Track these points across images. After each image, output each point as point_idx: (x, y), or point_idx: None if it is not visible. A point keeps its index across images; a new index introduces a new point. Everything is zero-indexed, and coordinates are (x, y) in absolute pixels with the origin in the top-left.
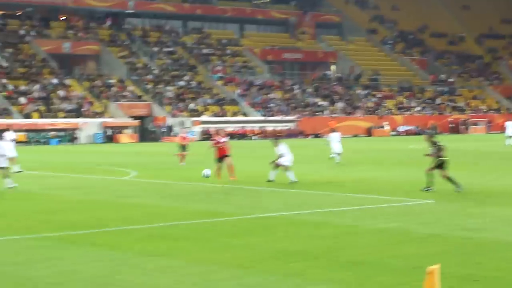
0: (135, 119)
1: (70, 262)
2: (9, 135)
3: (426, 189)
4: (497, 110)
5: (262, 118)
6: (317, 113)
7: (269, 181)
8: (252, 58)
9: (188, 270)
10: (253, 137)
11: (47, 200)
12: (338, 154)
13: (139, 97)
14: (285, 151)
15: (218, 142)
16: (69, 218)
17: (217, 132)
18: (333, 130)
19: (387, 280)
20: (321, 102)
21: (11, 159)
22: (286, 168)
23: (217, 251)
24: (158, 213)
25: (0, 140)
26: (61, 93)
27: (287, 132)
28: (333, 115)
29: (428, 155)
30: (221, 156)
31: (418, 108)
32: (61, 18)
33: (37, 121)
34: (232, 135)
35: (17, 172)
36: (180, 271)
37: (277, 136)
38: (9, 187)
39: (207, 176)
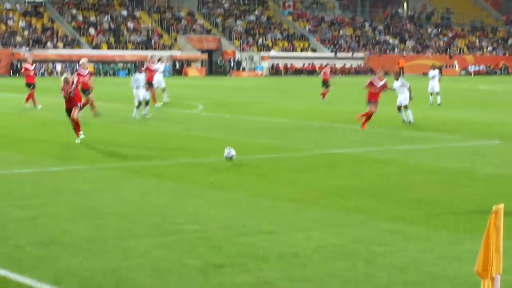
0: (204, 52)
1: (135, 192)
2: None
3: None
4: None
5: (331, 54)
6: (387, 51)
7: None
8: None
9: (251, 203)
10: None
11: (115, 132)
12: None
13: (209, 30)
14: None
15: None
16: (135, 150)
17: None
18: (401, 69)
19: (450, 219)
20: (391, 40)
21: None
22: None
23: (280, 186)
24: (223, 147)
25: (137, 72)
26: (130, 25)
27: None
28: (403, 53)
29: None
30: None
31: (490, 48)
32: None
33: (106, 52)
34: (301, 71)
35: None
36: (243, 205)
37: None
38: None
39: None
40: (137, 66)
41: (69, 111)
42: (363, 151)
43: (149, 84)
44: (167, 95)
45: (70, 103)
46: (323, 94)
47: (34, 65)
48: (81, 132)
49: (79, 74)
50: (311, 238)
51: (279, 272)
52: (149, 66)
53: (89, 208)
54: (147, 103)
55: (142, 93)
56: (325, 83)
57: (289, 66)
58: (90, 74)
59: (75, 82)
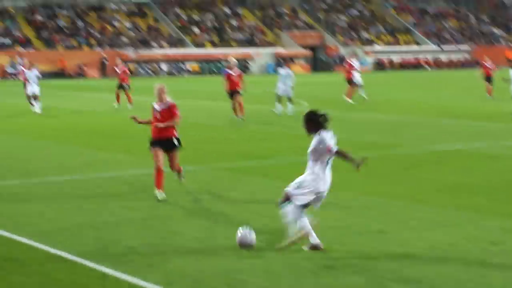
0: (307, 48)
1: (244, 192)
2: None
3: None
4: None
5: (436, 47)
6: (493, 43)
7: None
8: None
9: (359, 202)
10: (427, 67)
11: (219, 130)
12: None
13: (311, 26)
14: None
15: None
16: (242, 148)
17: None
18: (509, 61)
19: None
20: (497, 31)
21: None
22: None
23: (389, 184)
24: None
25: (282, 68)
26: (233, 22)
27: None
28: (510, 45)
29: None
30: None
31: None
32: None
33: (210, 51)
34: (405, 65)
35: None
36: (352, 204)
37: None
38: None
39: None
40: (281, 61)
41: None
42: (473, 147)
43: (349, 81)
44: (364, 93)
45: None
46: (489, 91)
47: (123, 66)
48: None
49: (228, 75)
50: (422, 237)
51: (390, 272)
52: (349, 61)
53: (200, 209)
54: (281, 98)
55: (283, 88)
56: (489, 78)
57: (393, 60)
58: (241, 74)
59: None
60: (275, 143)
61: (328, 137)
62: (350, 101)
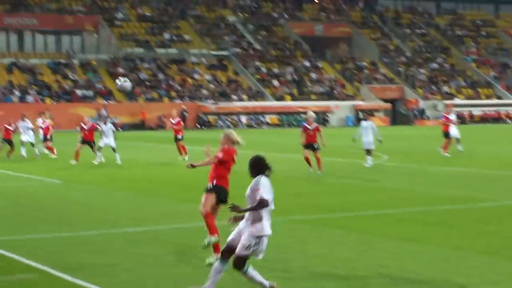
0: (387, 102)
1: (322, 245)
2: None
3: None
4: None
5: None
6: None
7: None
8: (507, 40)
9: (438, 255)
10: (508, 121)
11: (297, 183)
12: None
13: (391, 79)
14: None
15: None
16: (321, 201)
17: None
18: None
19: None
20: None
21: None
22: None
23: (468, 238)
24: (409, 197)
25: (364, 121)
26: (313, 75)
27: None
28: None
29: None
30: None
31: None
32: (314, 0)
33: (289, 103)
34: (486, 119)
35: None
36: (430, 257)
37: None
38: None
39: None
40: (363, 114)
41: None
42: None
43: (446, 134)
44: (460, 146)
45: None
46: None
47: (177, 119)
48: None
49: (304, 128)
50: None
51: None
52: (446, 115)
53: (277, 261)
54: (368, 151)
55: (367, 141)
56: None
57: (474, 114)
58: (318, 127)
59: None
60: (355, 196)
61: (265, 185)
62: (446, 154)
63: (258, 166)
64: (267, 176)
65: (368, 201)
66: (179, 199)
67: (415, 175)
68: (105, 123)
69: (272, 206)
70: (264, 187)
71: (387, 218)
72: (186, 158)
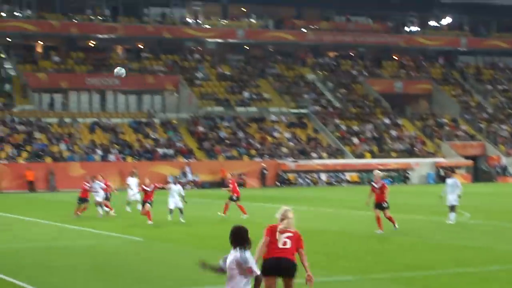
0: (468, 158)
1: None
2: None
3: None
4: None
5: None
6: None
7: None
8: None
9: None
10: None
11: (377, 240)
12: None
13: (472, 136)
14: None
15: None
16: (402, 259)
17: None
18: None
19: None
20: None
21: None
22: None
23: None
24: (491, 256)
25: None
26: (393, 132)
27: None
28: None
29: None
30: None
31: None
32: (393, 58)
33: (369, 161)
34: None
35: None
36: None
37: None
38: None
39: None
40: (447, 172)
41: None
42: None
43: None
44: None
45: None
46: None
47: (232, 180)
48: None
49: (372, 188)
50: None
51: None
52: None
53: None
54: (452, 208)
55: (452, 198)
56: None
57: None
58: (384, 186)
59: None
60: (436, 254)
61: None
62: None
63: (241, 238)
64: (247, 250)
65: (450, 259)
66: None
67: (497, 232)
68: (175, 184)
69: None
70: (253, 263)
71: (469, 276)
72: (223, 215)
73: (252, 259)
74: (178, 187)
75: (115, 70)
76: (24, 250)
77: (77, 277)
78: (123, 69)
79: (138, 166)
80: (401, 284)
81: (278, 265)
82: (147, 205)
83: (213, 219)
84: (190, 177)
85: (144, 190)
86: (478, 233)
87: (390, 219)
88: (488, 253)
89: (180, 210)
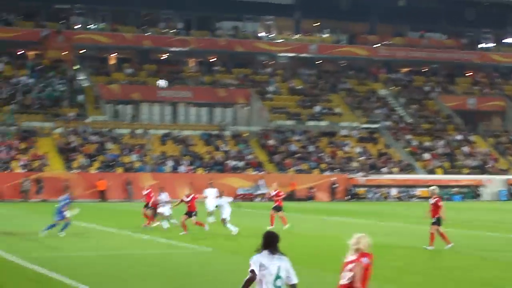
0: None
1: None
2: None
3: None
4: None
5: None
6: None
7: None
8: None
9: None
10: None
11: (450, 256)
12: None
13: None
14: None
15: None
16: (469, 276)
17: None
18: None
19: None
20: None
21: None
22: None
23: None
24: None
25: None
26: (465, 149)
27: None
28: None
29: None
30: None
31: None
32: (466, 74)
33: (440, 177)
34: None
35: None
36: None
37: None
38: None
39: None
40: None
41: None
42: None
43: None
44: None
45: None
46: None
47: (277, 191)
48: None
49: (434, 205)
50: None
51: None
52: None
53: None
54: None
55: None
56: None
57: None
58: (437, 201)
59: None
60: (506, 272)
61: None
62: None
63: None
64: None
65: None
66: (326, 269)
67: None
68: (220, 196)
69: None
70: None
71: None
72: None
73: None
74: (225, 199)
75: (158, 82)
76: (95, 258)
77: (147, 286)
78: (164, 81)
79: (208, 178)
80: None
81: None
82: (185, 216)
83: (281, 232)
84: (263, 189)
85: (184, 201)
86: None
87: (442, 235)
88: None
89: (224, 221)
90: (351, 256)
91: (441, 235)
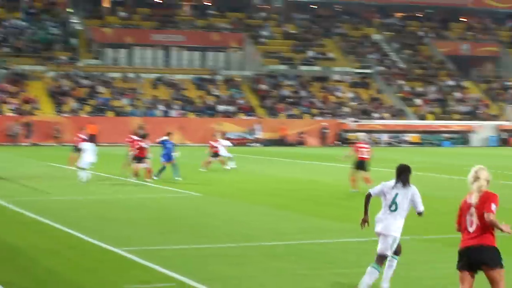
0: None
1: (449, 265)
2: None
3: None
4: None
5: None
6: None
7: None
8: None
9: None
10: None
11: (435, 201)
12: None
13: None
14: None
15: None
16: (450, 221)
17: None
18: None
19: None
20: None
21: None
22: None
23: None
24: None
25: None
26: (457, 95)
27: None
28: None
29: None
30: None
31: None
32: (461, 19)
33: (431, 122)
34: None
35: None
36: None
37: None
38: None
39: None
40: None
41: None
42: None
43: None
44: None
45: None
46: None
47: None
48: None
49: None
50: None
51: None
52: None
53: (408, 278)
54: None
55: None
56: None
57: None
58: (361, 147)
59: None
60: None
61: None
62: None
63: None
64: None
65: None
66: (315, 214)
67: None
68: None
69: None
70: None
71: None
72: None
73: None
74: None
75: None
76: (84, 202)
77: (134, 229)
78: None
79: (199, 122)
80: (449, 245)
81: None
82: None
83: (272, 176)
84: (258, 134)
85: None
86: None
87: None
88: None
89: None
90: (472, 197)
91: (352, 180)
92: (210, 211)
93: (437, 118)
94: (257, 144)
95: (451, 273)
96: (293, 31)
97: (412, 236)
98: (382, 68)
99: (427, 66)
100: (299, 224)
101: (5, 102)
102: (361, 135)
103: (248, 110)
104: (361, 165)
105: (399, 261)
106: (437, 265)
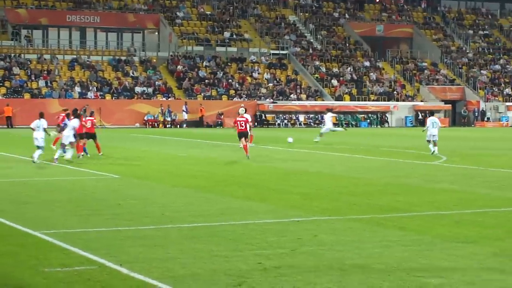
0: (447, 103)
1: (376, 245)
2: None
3: None
4: None
5: None
6: None
7: None
8: None
9: (497, 259)
10: None
11: (353, 182)
12: None
13: (452, 80)
14: None
15: None
16: (376, 201)
17: None
18: None
19: None
20: None
21: None
22: None
23: None
24: (467, 199)
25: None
26: (373, 75)
27: None
28: None
29: None
30: None
31: None
32: (375, 1)
33: (348, 103)
34: None
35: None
36: (489, 259)
37: None
38: None
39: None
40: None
41: None
42: None
43: None
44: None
45: None
46: None
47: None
48: None
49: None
50: None
51: None
52: None
53: (332, 259)
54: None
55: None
56: None
57: None
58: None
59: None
60: (412, 197)
61: None
62: None
63: None
64: None
65: (425, 202)
66: (235, 196)
67: (473, 176)
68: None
69: None
70: None
71: (444, 219)
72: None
73: None
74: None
75: (288, 139)
76: (0, 185)
77: (53, 212)
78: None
79: (116, 104)
80: (375, 225)
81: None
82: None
83: (191, 158)
84: (172, 115)
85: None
86: (453, 176)
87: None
88: (464, 196)
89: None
90: None
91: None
92: (130, 193)
93: (354, 99)
94: (184, 126)
95: (376, 253)
96: (209, 12)
97: (336, 217)
98: (298, 49)
99: (343, 47)
100: (219, 205)
101: None
102: (241, 109)
103: (166, 92)
104: (241, 135)
105: (323, 240)
106: (362, 245)
